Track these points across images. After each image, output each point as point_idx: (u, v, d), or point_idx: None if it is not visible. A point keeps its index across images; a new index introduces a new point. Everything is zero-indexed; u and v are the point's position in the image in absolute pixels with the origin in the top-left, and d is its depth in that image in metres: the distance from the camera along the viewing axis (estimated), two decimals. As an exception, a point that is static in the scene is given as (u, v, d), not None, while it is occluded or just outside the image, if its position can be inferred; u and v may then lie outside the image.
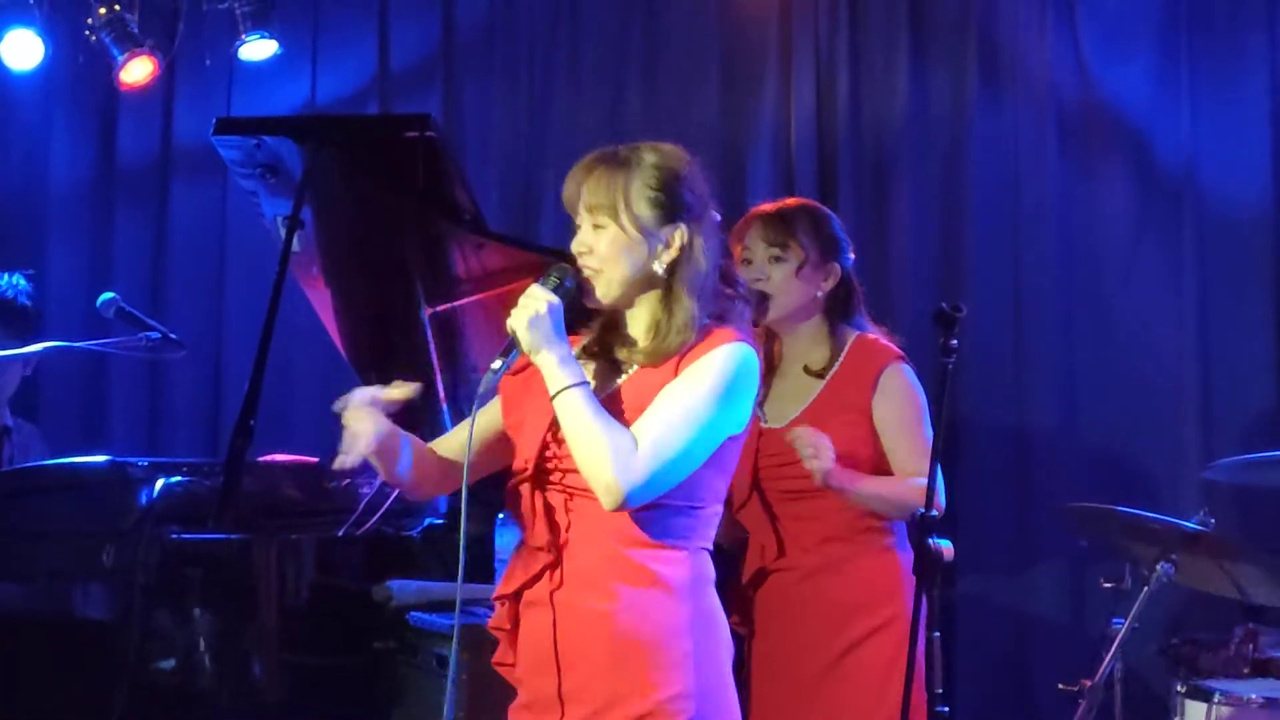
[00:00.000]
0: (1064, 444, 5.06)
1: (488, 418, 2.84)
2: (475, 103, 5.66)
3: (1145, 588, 3.57)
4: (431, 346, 4.18)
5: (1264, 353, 4.98)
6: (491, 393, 2.75)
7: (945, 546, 3.55)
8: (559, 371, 2.61)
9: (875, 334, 3.56)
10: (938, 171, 5.27)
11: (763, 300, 3.45)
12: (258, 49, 5.44)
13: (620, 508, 2.58)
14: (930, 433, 3.41)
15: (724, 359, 2.66)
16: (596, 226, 2.69)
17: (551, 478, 2.70)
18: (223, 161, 4.50)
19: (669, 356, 2.68)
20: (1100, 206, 5.14)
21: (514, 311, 2.63)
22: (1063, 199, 5.14)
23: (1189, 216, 5.05)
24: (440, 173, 4.10)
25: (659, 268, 2.70)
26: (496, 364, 2.65)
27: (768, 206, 3.61)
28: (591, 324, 2.80)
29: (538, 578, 2.70)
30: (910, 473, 3.39)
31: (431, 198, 4.14)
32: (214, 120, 4.33)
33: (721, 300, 2.75)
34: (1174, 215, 5.07)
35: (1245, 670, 3.90)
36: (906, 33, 5.30)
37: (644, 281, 2.71)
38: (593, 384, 2.67)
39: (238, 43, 5.41)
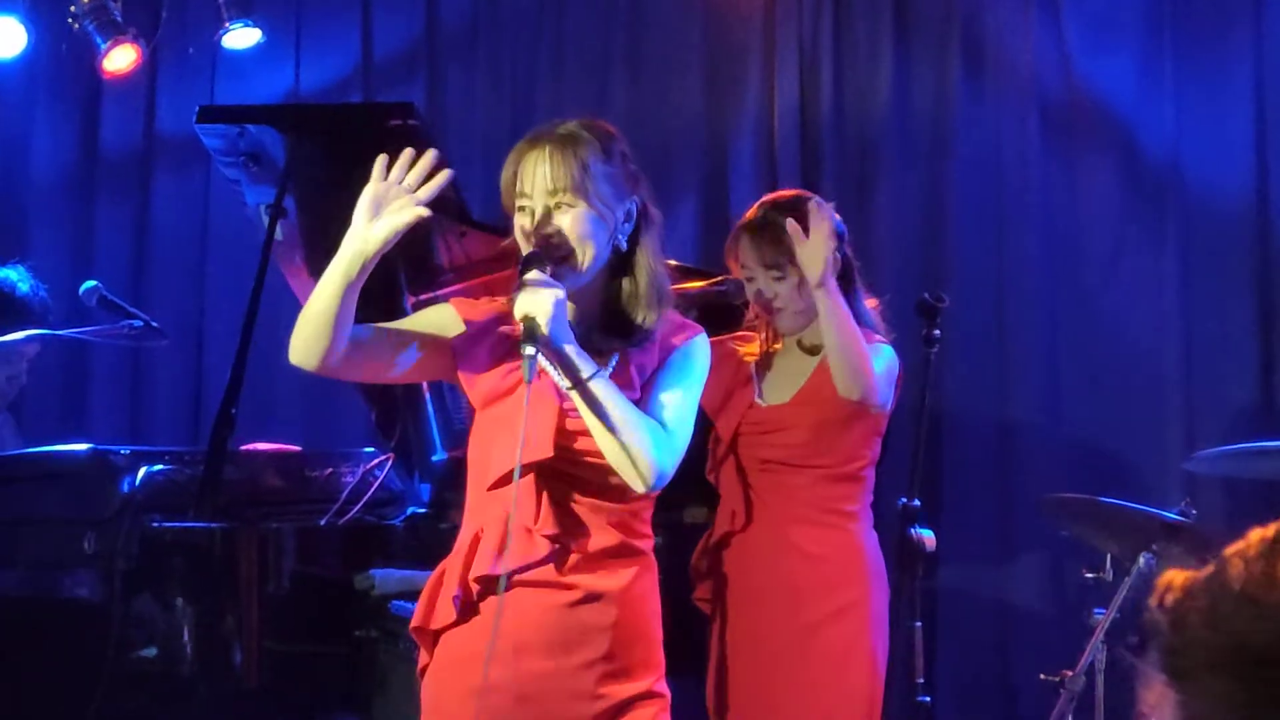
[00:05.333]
0: (1046, 434, 5.06)
1: (427, 327, 2.72)
2: (459, 92, 5.66)
3: (1126, 578, 3.58)
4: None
5: (1246, 344, 4.98)
6: (531, 373, 2.48)
7: (927, 536, 3.57)
8: (578, 361, 2.54)
9: (870, 310, 3.57)
10: (921, 163, 5.27)
11: (769, 312, 3.52)
12: (241, 37, 5.42)
13: (653, 489, 2.59)
14: (891, 380, 3.43)
15: (701, 352, 2.74)
16: (561, 207, 2.60)
17: (557, 467, 2.63)
18: (206, 150, 4.49)
19: (646, 335, 2.67)
20: (1084, 199, 5.14)
21: (524, 299, 2.49)
22: (1046, 191, 5.14)
23: (1172, 209, 5.04)
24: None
25: (622, 240, 2.67)
26: (530, 350, 2.46)
27: (753, 218, 3.56)
28: None
29: (539, 565, 2.64)
30: None
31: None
32: (197, 108, 4.32)
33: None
34: (1157, 208, 5.07)
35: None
36: (890, 24, 5.29)
37: (609, 263, 2.67)
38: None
39: (221, 31, 5.39)
